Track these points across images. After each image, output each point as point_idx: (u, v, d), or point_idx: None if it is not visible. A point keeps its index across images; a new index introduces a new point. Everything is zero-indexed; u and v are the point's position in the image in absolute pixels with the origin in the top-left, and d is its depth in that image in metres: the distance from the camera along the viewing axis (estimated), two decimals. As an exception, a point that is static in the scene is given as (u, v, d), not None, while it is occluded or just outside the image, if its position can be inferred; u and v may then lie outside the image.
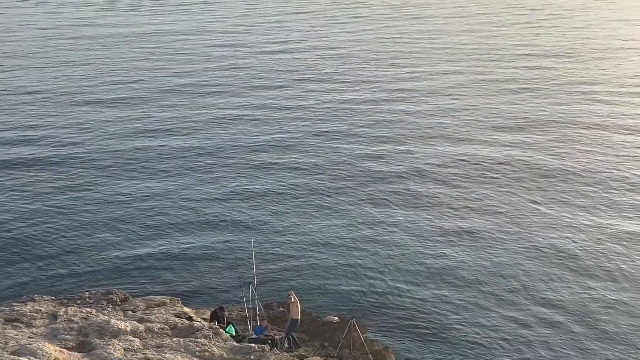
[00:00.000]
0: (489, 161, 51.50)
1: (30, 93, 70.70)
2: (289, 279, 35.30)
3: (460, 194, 45.66)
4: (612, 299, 33.46)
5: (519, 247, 38.54)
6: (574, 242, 39.08)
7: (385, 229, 40.87)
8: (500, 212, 43.00)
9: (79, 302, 28.26)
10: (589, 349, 29.89)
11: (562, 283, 34.89)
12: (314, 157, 52.12)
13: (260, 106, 65.20)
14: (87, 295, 28.94)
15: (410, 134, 57.35)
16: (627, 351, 29.61)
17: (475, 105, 65.29)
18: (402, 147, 54.22)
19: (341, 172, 49.46)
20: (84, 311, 25.90)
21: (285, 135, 56.63)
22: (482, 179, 48.19)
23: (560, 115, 62.24)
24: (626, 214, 42.33)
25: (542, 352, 29.65)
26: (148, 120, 61.51)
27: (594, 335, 30.83)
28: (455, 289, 34.48)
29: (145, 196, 45.19)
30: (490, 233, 40.33)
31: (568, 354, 29.56)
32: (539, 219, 42.01)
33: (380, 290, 33.99)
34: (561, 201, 44.45)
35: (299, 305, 28.98)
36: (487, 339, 30.43)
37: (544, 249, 38.25)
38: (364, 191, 46.06)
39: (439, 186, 46.87)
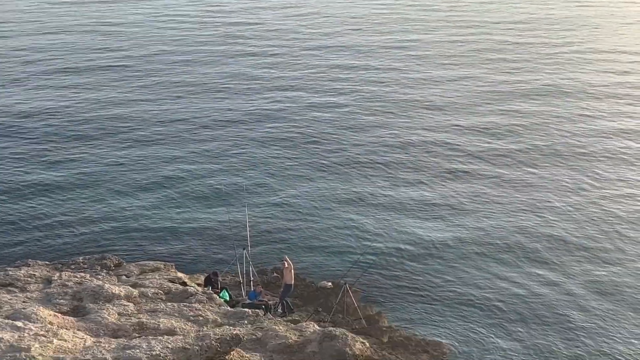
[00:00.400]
0: (485, 131, 51.42)
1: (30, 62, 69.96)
2: (283, 245, 35.29)
3: (456, 163, 45.64)
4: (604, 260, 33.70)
5: (514, 213, 38.64)
6: (566, 204, 39.26)
7: (380, 195, 40.83)
8: (495, 180, 43.06)
9: (73, 267, 28.20)
10: (586, 307, 30.10)
11: (555, 244, 35.08)
12: (309, 126, 51.77)
13: (253, 77, 64.68)
14: (81, 261, 28.89)
15: (406, 104, 57.06)
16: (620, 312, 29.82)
17: (470, 76, 64.96)
18: (398, 117, 53.96)
19: (336, 139, 49.27)
20: (78, 276, 25.86)
21: (277, 106, 56.06)
22: (478, 149, 48.13)
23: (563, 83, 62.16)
24: (621, 185, 42.41)
25: (540, 312, 29.87)
26: (143, 89, 61.04)
27: (588, 292, 31.05)
28: (449, 254, 34.57)
29: (139, 164, 44.98)
30: (485, 200, 40.39)
31: (565, 313, 29.79)
32: (532, 183, 42.24)
33: (373, 255, 34.00)
34: (556, 166, 44.66)
35: (292, 271, 29.01)
36: (480, 303, 30.57)
37: (537, 213, 38.38)
38: (359, 158, 45.93)
39: (434, 155, 46.80)
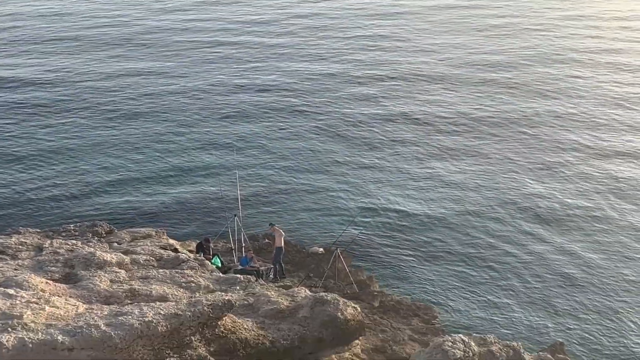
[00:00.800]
0: (477, 99, 51.29)
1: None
2: (274, 211, 35.29)
3: (449, 134, 45.57)
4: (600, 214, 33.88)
5: (505, 176, 38.74)
6: (562, 165, 39.49)
7: (372, 163, 40.70)
8: (486, 154, 43.07)
9: (64, 234, 28.08)
10: (581, 265, 30.37)
11: (549, 206, 35.23)
12: (300, 95, 51.26)
13: (241, 44, 64.00)
14: (72, 228, 28.75)
15: (402, 73, 56.70)
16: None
17: (465, 45, 64.46)
18: (392, 87, 53.62)
19: (328, 108, 48.93)
20: (70, 243, 25.74)
21: (270, 77, 55.40)
22: (472, 121, 48.04)
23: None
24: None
25: (533, 272, 30.12)
26: (135, 62, 60.35)
27: (584, 252, 31.35)
28: (439, 220, 34.63)
29: (131, 134, 44.60)
30: (476, 166, 40.46)
31: (560, 271, 30.10)
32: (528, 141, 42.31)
33: (364, 222, 34.10)
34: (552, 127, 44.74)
35: (282, 235, 29.08)
36: (470, 266, 30.76)
37: (527, 175, 38.49)
38: (352, 127, 45.52)
39: (429, 126, 46.52)
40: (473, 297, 28.67)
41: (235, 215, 30.80)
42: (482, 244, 32.51)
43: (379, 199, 36.49)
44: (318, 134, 44.39)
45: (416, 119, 46.75)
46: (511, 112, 48.01)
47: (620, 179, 38.41)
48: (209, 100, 50.03)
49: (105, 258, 23.78)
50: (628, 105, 49.07)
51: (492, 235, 33.11)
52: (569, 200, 36.24)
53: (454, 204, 35.93)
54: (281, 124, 45.77)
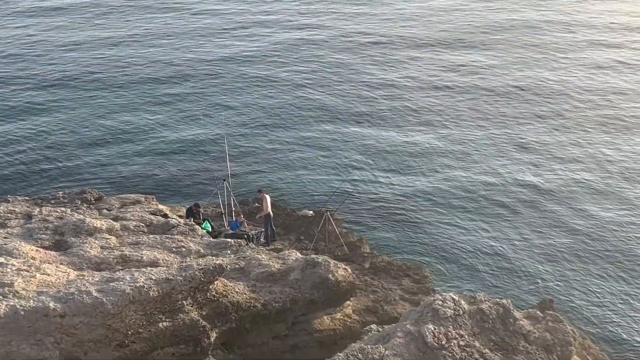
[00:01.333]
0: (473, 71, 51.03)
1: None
2: (264, 175, 35.24)
3: (442, 105, 45.41)
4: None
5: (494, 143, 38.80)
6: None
7: (360, 123, 40.61)
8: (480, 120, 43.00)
9: (53, 202, 27.91)
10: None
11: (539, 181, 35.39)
12: (289, 66, 50.79)
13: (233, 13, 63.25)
14: (61, 195, 28.58)
15: (394, 42, 56.14)
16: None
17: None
18: (385, 57, 53.04)
19: (320, 77, 48.39)
20: (59, 211, 25.60)
21: (260, 47, 54.68)
22: (465, 88, 47.84)
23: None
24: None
25: (517, 240, 30.25)
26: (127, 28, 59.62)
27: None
28: (429, 181, 34.70)
29: (118, 100, 44.20)
30: (469, 136, 40.42)
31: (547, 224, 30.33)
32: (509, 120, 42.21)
33: (354, 183, 34.12)
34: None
35: (269, 200, 29.00)
36: (462, 227, 30.90)
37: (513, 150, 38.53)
38: (343, 95, 45.04)
39: (422, 95, 46.29)
40: (462, 256, 28.83)
41: (224, 180, 30.72)
42: (471, 203, 32.61)
43: (368, 161, 36.44)
44: (308, 99, 44.11)
45: (409, 85, 46.37)
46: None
47: None
48: (196, 68, 49.48)
49: (95, 225, 23.70)
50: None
51: (482, 196, 33.19)
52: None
53: (444, 169, 35.86)
54: (270, 91, 45.37)
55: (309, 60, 50.34)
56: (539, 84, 45.63)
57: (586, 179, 34.63)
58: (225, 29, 58.11)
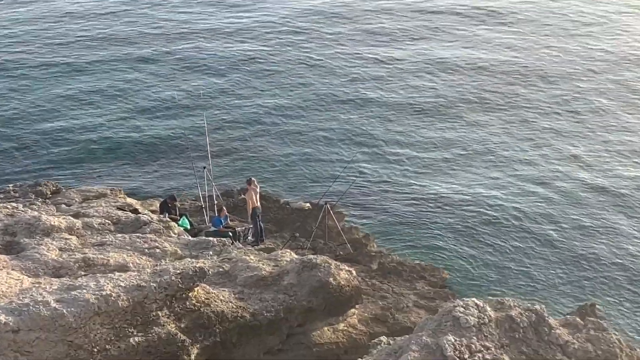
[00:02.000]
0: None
1: None
2: (249, 161, 35.26)
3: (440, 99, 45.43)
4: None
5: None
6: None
7: (367, 109, 40.47)
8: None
9: (2, 196, 27.97)
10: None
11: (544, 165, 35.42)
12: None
13: None
14: (11, 189, 28.63)
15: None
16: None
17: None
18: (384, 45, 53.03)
19: (316, 63, 48.42)
20: (9, 207, 25.58)
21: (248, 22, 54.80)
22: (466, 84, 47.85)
23: None
24: None
25: (536, 230, 30.32)
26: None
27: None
28: (447, 168, 34.74)
29: (77, 73, 44.19)
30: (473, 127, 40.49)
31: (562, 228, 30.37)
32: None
33: (359, 169, 34.08)
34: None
35: (257, 191, 28.94)
36: (484, 221, 30.95)
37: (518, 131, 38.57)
38: (340, 83, 44.76)
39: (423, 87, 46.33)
40: (487, 255, 28.86)
41: (204, 168, 30.68)
42: (493, 193, 32.63)
43: (375, 141, 36.40)
44: (303, 70, 44.07)
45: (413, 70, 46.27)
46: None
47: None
48: (175, 44, 49.48)
49: (52, 223, 23.66)
50: None
51: (492, 193, 33.11)
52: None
53: (467, 163, 35.75)
54: (257, 66, 45.27)
55: (307, 42, 50.33)
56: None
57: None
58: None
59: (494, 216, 31.15)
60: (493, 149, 36.24)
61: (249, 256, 23.59)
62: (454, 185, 33.27)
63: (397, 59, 45.68)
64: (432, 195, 32.63)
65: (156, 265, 21.77)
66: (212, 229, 28.63)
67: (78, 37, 50.43)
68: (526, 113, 39.57)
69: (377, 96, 41.10)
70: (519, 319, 19.32)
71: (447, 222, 30.76)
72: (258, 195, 29.06)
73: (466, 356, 18.17)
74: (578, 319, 20.61)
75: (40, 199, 27.50)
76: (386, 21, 51.73)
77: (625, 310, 26.01)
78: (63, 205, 26.99)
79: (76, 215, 25.34)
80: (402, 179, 33.81)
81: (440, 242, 29.62)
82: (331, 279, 22.05)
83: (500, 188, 33.04)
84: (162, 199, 30.21)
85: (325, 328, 22.34)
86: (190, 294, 20.22)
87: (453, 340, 18.39)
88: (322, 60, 45.37)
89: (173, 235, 24.84)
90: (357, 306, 23.35)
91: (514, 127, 38.19)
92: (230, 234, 27.91)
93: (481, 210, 31.56)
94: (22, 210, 25.25)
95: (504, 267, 28.28)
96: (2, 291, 19.20)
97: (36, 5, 55.41)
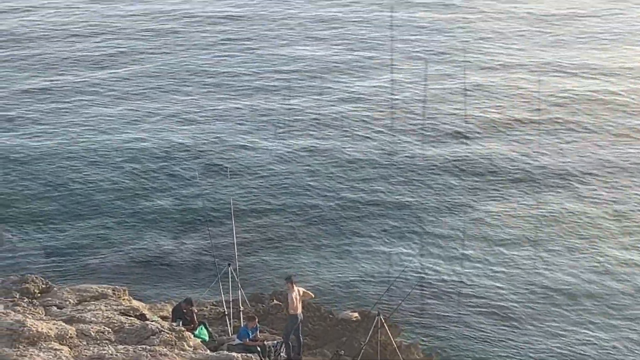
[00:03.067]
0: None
1: None
2: (285, 260, 35.40)
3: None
4: None
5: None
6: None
7: (409, 193, 40.60)
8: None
9: (-21, 295, 28.16)
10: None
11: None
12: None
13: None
14: (-9, 285, 28.83)
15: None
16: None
17: None
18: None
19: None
20: (-12, 308, 25.76)
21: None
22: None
23: None
24: None
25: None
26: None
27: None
28: (514, 275, 34.55)
29: (75, 143, 45.00)
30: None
31: None
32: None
33: (418, 274, 34.11)
34: None
35: (300, 295, 28.73)
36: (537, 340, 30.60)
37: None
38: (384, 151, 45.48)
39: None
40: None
41: (229, 265, 30.60)
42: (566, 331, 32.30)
43: (435, 240, 36.37)
44: (342, 147, 44.46)
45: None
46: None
47: None
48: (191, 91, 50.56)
49: (39, 329, 23.70)
50: None
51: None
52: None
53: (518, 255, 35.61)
54: (289, 139, 45.87)
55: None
56: None
57: None
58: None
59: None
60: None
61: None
62: (531, 301, 33.08)
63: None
64: (507, 306, 32.42)
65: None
66: (237, 341, 28.35)
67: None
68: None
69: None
70: None
71: (540, 337, 30.64)
72: (299, 299, 28.81)
73: None
74: None
75: (26, 299, 27.56)
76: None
77: None
78: (54, 308, 27.06)
79: (69, 321, 25.37)
80: (476, 279, 33.60)
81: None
82: (385, 411, 21.67)
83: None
84: (175, 303, 30.13)
85: None
86: None
87: None
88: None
89: (188, 348, 24.74)
90: None
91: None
92: (259, 349, 27.61)
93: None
94: (3, 313, 25.30)
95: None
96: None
97: None
